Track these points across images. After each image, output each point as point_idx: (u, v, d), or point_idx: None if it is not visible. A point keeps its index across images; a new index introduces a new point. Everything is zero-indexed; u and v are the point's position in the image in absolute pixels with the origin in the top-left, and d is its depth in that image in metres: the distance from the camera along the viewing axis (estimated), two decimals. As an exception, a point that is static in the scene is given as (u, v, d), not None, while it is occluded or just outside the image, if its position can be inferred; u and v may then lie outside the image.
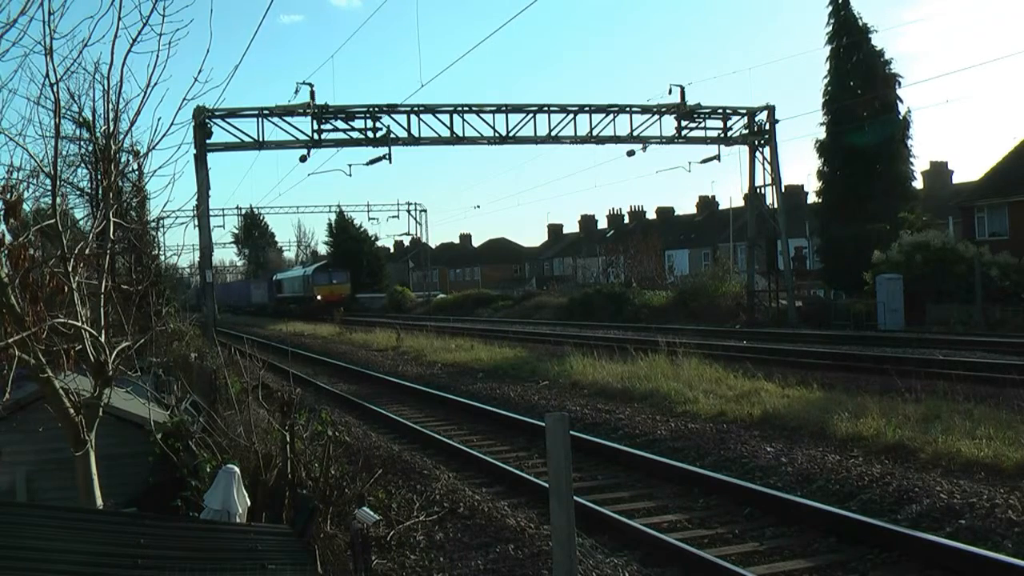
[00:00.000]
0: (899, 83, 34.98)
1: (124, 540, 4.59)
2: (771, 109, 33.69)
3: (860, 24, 34.92)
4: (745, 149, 34.40)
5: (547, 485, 4.88)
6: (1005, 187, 34.53)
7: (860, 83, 34.16)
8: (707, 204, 73.15)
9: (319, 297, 58.38)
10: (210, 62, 5.78)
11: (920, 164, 52.58)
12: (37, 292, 5.13)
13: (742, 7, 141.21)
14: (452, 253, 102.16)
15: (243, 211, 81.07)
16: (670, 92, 32.27)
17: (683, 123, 32.80)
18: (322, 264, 64.14)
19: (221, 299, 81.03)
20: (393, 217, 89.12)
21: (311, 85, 29.72)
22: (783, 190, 35.09)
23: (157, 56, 5.46)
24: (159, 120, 6.06)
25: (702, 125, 33.33)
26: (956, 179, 56.83)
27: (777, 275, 34.58)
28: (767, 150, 33.97)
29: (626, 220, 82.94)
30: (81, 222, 12.34)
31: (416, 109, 30.45)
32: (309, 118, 29.77)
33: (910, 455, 9.65)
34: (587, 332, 30.39)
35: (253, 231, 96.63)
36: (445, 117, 30.86)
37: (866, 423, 10.82)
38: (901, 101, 34.94)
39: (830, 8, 35.34)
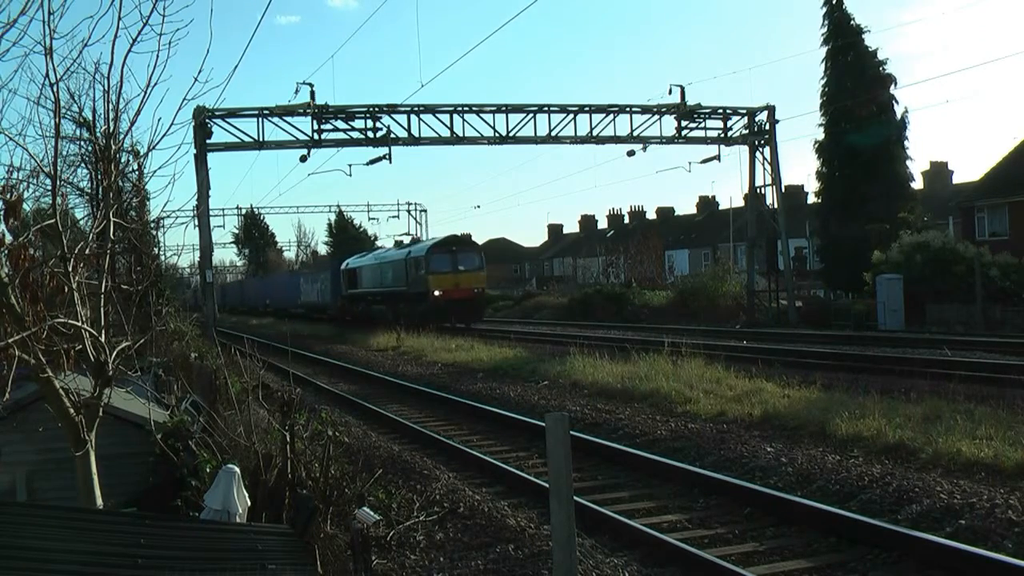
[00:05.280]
0: (895, 84, 35.05)
1: (124, 540, 4.60)
2: (771, 109, 33.71)
3: (853, 25, 34.99)
4: (745, 149, 34.42)
5: (547, 485, 4.88)
6: (1005, 187, 34.56)
7: (856, 84, 34.20)
8: (707, 204, 73.21)
9: (437, 293, 36.49)
10: (210, 62, 5.76)
11: (920, 164, 52.96)
12: (37, 292, 5.13)
13: (742, 7, 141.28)
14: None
15: (243, 211, 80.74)
16: (670, 92, 32.35)
17: (683, 123, 32.83)
18: (440, 241, 39.23)
19: (255, 298, 67.96)
20: (393, 217, 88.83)
21: (311, 85, 29.73)
22: (783, 190, 35.10)
23: (157, 56, 5.44)
24: (159, 120, 6.04)
25: (702, 125, 33.35)
26: (956, 179, 56.93)
27: (777, 275, 34.57)
28: (767, 150, 33.98)
29: (626, 220, 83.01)
30: (81, 222, 12.33)
31: (416, 109, 30.46)
32: (309, 118, 29.79)
33: (910, 455, 9.65)
34: (587, 332, 30.39)
35: (253, 231, 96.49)
36: (445, 117, 30.89)
37: (866, 423, 10.82)
38: (897, 102, 35.04)
39: (824, 9, 35.44)
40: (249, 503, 6.33)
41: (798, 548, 7.35)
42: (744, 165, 39.02)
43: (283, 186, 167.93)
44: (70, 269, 5.33)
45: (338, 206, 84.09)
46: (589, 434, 12.29)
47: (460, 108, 30.90)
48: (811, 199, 47.12)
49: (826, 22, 35.41)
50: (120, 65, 5.50)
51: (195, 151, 28.56)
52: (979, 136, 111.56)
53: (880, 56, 35.10)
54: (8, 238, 5.19)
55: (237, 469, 6.36)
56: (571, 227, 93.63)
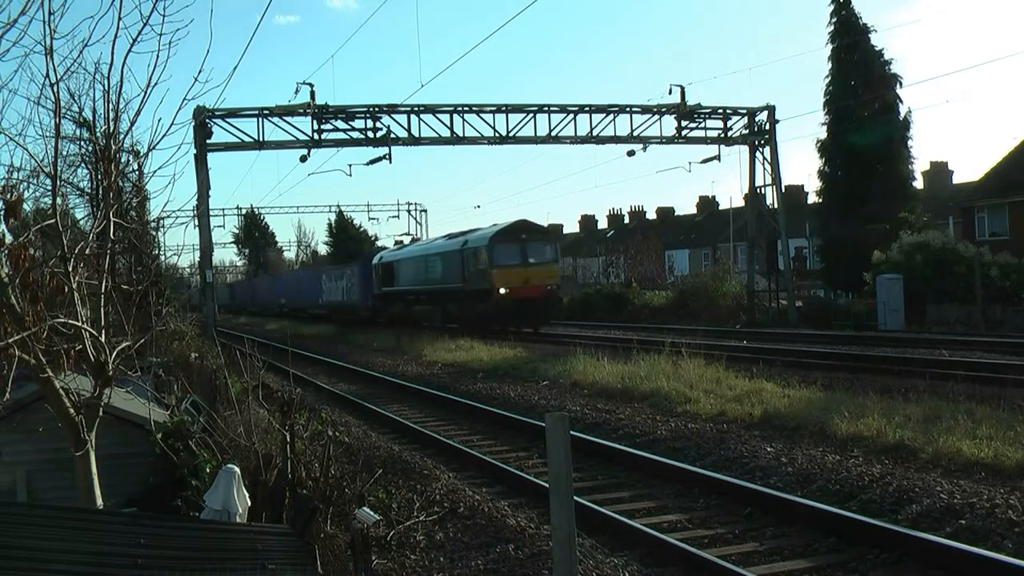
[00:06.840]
0: (899, 83, 35.05)
1: (124, 540, 4.59)
2: (771, 109, 33.67)
3: (860, 24, 34.97)
4: (745, 149, 34.38)
5: (547, 485, 4.88)
6: (1005, 187, 34.54)
7: (860, 83, 34.19)
8: (707, 204, 73.16)
9: (503, 291, 30.16)
10: (210, 62, 5.77)
11: (920, 164, 52.59)
12: (37, 292, 5.13)
13: (742, 7, 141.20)
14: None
15: (243, 211, 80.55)
16: (670, 92, 32.28)
17: (683, 123, 32.78)
18: (506, 228, 31.95)
19: (268, 297, 63.18)
20: (393, 217, 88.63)
21: (311, 85, 29.65)
22: (783, 190, 35.06)
23: (157, 56, 5.45)
24: (159, 120, 6.04)
25: (702, 125, 33.31)
26: (956, 179, 56.83)
27: (777, 275, 34.55)
28: (767, 150, 33.95)
29: (626, 220, 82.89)
30: (81, 222, 12.36)
31: (416, 109, 30.43)
32: (309, 118, 29.75)
33: (910, 455, 9.65)
34: (587, 332, 30.38)
35: (253, 231, 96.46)
36: (445, 117, 30.85)
37: (867, 423, 10.82)
38: (901, 101, 35.02)
39: (831, 7, 35.43)
40: (249, 503, 6.33)
41: (798, 548, 7.35)
42: (744, 165, 39.00)
43: (283, 186, 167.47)
44: (70, 269, 5.33)
45: (338, 206, 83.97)
46: (589, 434, 12.29)
47: (460, 108, 30.87)
48: (811, 199, 47.12)
49: (833, 20, 35.35)
50: (120, 65, 5.51)
51: (195, 151, 28.51)
52: (979, 136, 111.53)
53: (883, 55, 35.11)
54: (8, 238, 5.19)
55: (237, 469, 6.36)
56: (571, 227, 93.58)
